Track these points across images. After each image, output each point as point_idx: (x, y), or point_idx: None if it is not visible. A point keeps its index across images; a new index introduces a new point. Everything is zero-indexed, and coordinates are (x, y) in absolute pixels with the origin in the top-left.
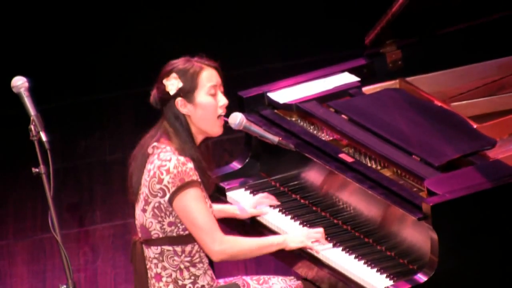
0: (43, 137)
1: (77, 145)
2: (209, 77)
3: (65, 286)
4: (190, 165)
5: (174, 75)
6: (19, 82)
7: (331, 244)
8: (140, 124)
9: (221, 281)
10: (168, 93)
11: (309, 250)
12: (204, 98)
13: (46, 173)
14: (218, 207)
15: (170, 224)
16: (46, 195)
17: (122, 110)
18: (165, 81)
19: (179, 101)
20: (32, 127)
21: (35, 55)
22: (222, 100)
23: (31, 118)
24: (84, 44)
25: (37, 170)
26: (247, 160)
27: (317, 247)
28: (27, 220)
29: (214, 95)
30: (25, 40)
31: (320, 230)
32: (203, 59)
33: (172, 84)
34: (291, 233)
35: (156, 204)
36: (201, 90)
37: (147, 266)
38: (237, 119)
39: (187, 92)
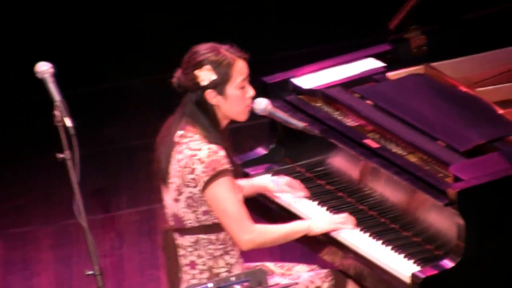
0: (68, 122)
1: (102, 131)
2: (240, 70)
3: (91, 272)
4: (222, 153)
5: (208, 66)
6: (44, 68)
7: (357, 229)
8: (166, 109)
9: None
10: (198, 83)
11: (334, 236)
12: (234, 91)
13: (71, 158)
14: (247, 182)
15: (204, 213)
16: (72, 181)
17: (148, 95)
18: (197, 72)
19: (209, 92)
20: (57, 112)
21: (60, 41)
22: (250, 92)
23: (56, 104)
24: (109, 29)
25: (62, 156)
26: (272, 146)
27: (342, 232)
28: (53, 206)
29: (243, 88)
30: (50, 26)
31: (344, 215)
32: (234, 49)
33: (205, 75)
34: (316, 218)
35: (189, 194)
36: (233, 83)
37: (181, 254)
38: (262, 104)
39: (219, 85)
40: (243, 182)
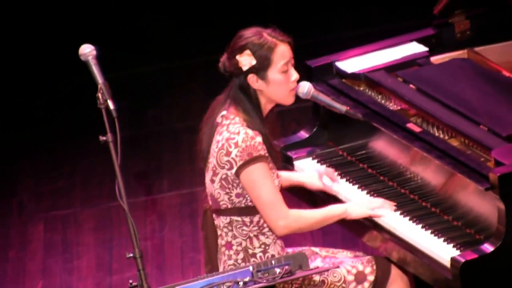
0: (111, 105)
1: (146, 114)
2: (282, 54)
3: (132, 255)
4: (259, 139)
5: (247, 51)
6: (87, 50)
7: (395, 213)
8: (210, 92)
9: (289, 250)
10: (240, 68)
11: (375, 219)
12: (276, 75)
13: (113, 141)
14: (285, 174)
15: (238, 195)
16: (113, 163)
17: (191, 78)
18: (238, 57)
19: (251, 77)
20: (99, 95)
21: (103, 23)
22: (294, 75)
23: (99, 86)
24: (153, 12)
25: (104, 138)
26: (314, 130)
27: (381, 216)
28: (94, 188)
29: (286, 72)
30: (94, 8)
31: (381, 200)
32: (276, 33)
33: (245, 60)
34: (353, 202)
35: (224, 176)
36: (274, 67)
37: (218, 234)
38: (305, 88)
39: (260, 69)
40: (282, 173)
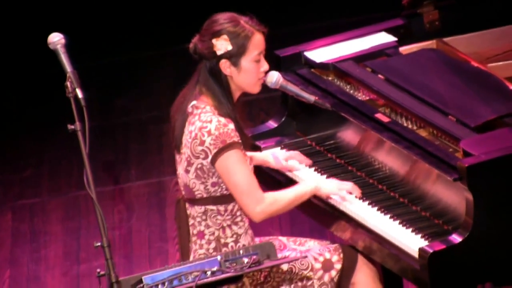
0: (79, 94)
1: (113, 104)
2: (258, 43)
3: (99, 244)
4: (231, 126)
5: (225, 36)
6: (56, 39)
7: (363, 203)
8: (177, 83)
9: (257, 240)
10: (214, 52)
11: (343, 209)
12: (248, 64)
13: (81, 130)
14: (248, 154)
15: (213, 184)
16: (81, 152)
17: (159, 69)
18: (214, 41)
19: (223, 62)
20: (68, 84)
21: (72, 12)
22: (265, 65)
23: (67, 75)
24: (121, 2)
25: (72, 127)
26: (283, 119)
27: (351, 205)
28: (62, 177)
29: (258, 61)
30: None
31: (350, 183)
32: (253, 21)
33: (222, 44)
34: (323, 179)
35: (199, 166)
36: (249, 56)
37: (190, 224)
38: (274, 78)
39: (234, 56)
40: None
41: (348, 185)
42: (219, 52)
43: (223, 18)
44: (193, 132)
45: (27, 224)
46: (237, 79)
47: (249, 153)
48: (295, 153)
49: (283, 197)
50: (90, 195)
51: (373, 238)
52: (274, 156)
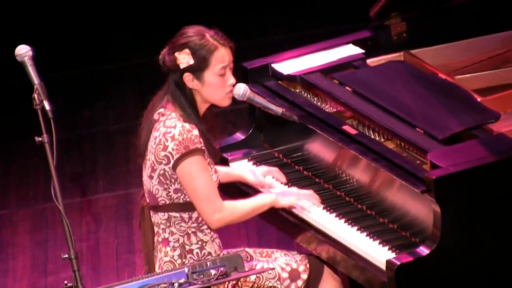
0: (46, 106)
1: (80, 115)
2: (221, 58)
3: (67, 256)
4: (195, 132)
5: (187, 50)
6: (23, 51)
7: (330, 215)
8: (144, 94)
9: (224, 252)
10: (178, 65)
11: (309, 220)
12: (212, 78)
13: (49, 142)
14: (224, 170)
15: (176, 191)
16: (49, 164)
17: (126, 80)
18: (177, 54)
19: (186, 75)
20: (35, 96)
21: (40, 24)
22: (231, 80)
23: (35, 87)
24: (89, 14)
25: (40, 139)
26: (250, 131)
27: (317, 217)
28: (29, 189)
29: (223, 75)
30: (29, 9)
31: (310, 191)
32: (219, 35)
33: (184, 58)
34: (282, 191)
35: (162, 172)
36: (211, 70)
37: (155, 231)
38: (241, 90)
39: (196, 70)
40: (221, 168)
41: (307, 193)
42: (181, 66)
43: (190, 32)
44: (158, 138)
45: None
46: (202, 92)
47: (225, 169)
48: (274, 169)
49: (242, 207)
50: (57, 206)
51: (340, 250)
52: (252, 171)
